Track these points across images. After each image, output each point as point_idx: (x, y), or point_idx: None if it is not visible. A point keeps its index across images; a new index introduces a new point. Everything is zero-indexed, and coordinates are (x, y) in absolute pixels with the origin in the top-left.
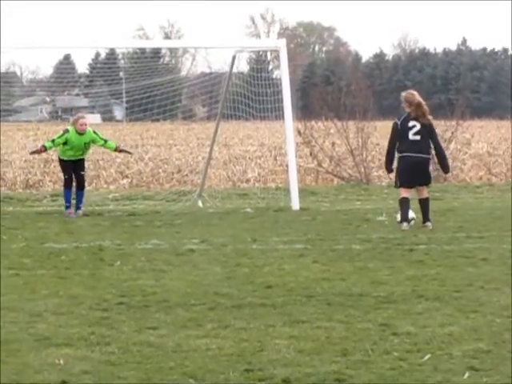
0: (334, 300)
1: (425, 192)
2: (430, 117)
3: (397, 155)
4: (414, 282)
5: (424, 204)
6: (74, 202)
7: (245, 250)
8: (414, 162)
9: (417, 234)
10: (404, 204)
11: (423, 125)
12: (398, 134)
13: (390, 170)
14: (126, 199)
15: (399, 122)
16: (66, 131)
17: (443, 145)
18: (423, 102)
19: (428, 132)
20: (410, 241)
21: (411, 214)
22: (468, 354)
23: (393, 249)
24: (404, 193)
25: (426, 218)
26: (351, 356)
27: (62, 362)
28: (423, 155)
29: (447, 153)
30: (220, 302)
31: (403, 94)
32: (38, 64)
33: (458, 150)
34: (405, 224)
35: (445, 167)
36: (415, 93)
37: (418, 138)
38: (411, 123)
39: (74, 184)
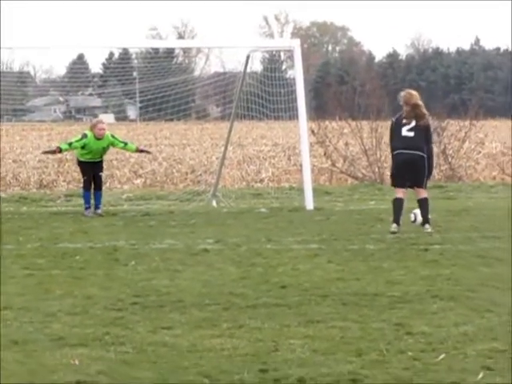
0: (349, 300)
1: (422, 192)
2: (427, 118)
3: (392, 153)
4: (428, 282)
5: (421, 205)
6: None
7: (259, 249)
8: (406, 160)
9: (431, 233)
10: (395, 205)
11: (418, 124)
12: (393, 131)
13: None
14: (139, 199)
15: (394, 120)
16: (85, 136)
17: (457, 144)
18: (421, 104)
19: (423, 132)
20: (424, 241)
21: None
22: (482, 354)
23: (407, 249)
24: (397, 193)
25: (424, 220)
26: (366, 356)
27: (76, 362)
28: (416, 152)
29: (461, 152)
30: (235, 302)
31: (402, 93)
32: (52, 64)
33: (472, 150)
34: (394, 225)
35: (428, 170)
36: (414, 93)
37: (411, 134)
38: (405, 120)
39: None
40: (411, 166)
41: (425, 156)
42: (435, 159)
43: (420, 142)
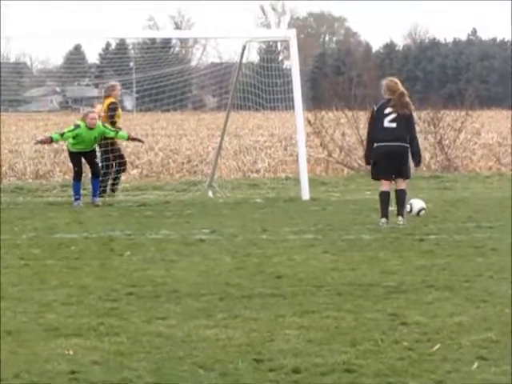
0: (344, 290)
1: (400, 184)
2: (412, 107)
3: (373, 145)
4: (423, 272)
5: (398, 196)
6: (84, 192)
7: (255, 240)
8: (389, 152)
9: (427, 224)
10: (382, 198)
11: (400, 114)
12: (374, 122)
13: (367, 162)
14: (136, 189)
15: (376, 108)
16: (77, 126)
17: (453, 134)
18: (406, 93)
19: (406, 122)
20: (420, 231)
21: (420, 204)
22: (477, 344)
23: (403, 239)
24: (382, 186)
25: (398, 212)
26: (360, 346)
27: (71, 352)
28: (398, 143)
29: (457, 142)
30: (230, 292)
31: (384, 81)
32: (49, 54)
33: (468, 140)
34: (383, 220)
35: (416, 160)
36: (398, 81)
37: (393, 125)
38: (388, 110)
39: (90, 173)
40: (395, 157)
41: (407, 146)
42: (431, 150)
43: (403, 133)
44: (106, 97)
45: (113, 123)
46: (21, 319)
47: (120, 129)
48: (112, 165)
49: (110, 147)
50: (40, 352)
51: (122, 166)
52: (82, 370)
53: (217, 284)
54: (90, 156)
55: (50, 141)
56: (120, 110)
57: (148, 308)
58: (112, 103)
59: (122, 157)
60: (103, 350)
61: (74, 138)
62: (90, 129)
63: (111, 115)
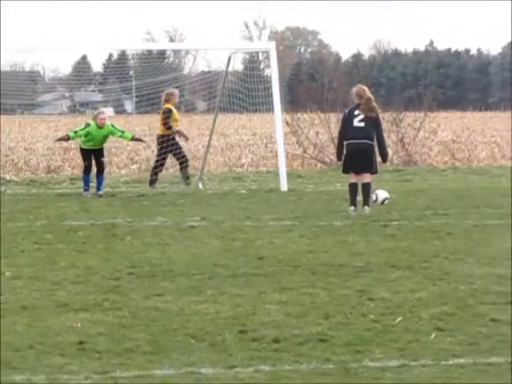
0: (318, 270)
1: (366, 177)
2: (378, 111)
3: (344, 142)
4: (387, 254)
5: (364, 189)
6: (93, 185)
7: (240, 226)
8: (358, 149)
9: (390, 211)
10: (351, 189)
11: (368, 116)
12: (345, 123)
13: (339, 158)
14: (135, 182)
15: (347, 111)
16: (88, 125)
17: (413, 133)
18: (372, 98)
19: (373, 123)
20: (384, 217)
21: (385, 194)
22: (435, 317)
23: (369, 224)
24: (351, 178)
25: (364, 202)
26: (332, 319)
27: (79, 325)
28: (366, 141)
29: (417, 140)
30: (218, 272)
31: (354, 89)
32: (59, 64)
33: (426, 138)
34: (351, 208)
35: (383, 156)
36: (366, 88)
37: (362, 124)
38: (357, 112)
39: (95, 169)
40: (362, 153)
41: (373, 144)
42: (394, 146)
43: (370, 132)
44: (166, 102)
45: (168, 127)
46: (35, 296)
47: (179, 132)
48: (164, 157)
49: (172, 142)
50: (52, 325)
51: (182, 161)
52: (88, 341)
53: (206, 264)
54: (98, 153)
55: (68, 138)
56: (176, 114)
57: (146, 286)
58: (166, 109)
59: (183, 154)
60: (107, 323)
61: (85, 135)
62: (100, 128)
63: (166, 120)
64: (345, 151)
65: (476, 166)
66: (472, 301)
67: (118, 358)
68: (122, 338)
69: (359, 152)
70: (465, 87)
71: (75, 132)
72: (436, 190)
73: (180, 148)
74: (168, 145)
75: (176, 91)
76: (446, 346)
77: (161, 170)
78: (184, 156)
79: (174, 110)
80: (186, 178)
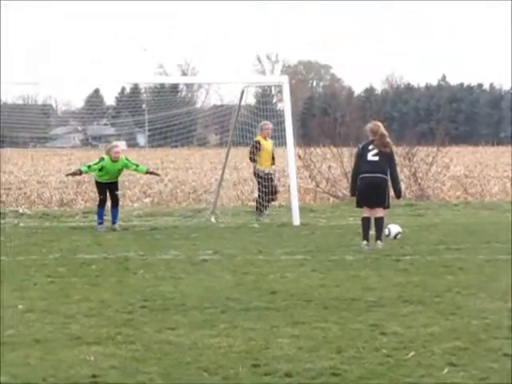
0: (330, 304)
1: (379, 212)
2: (392, 146)
3: (358, 176)
4: (400, 288)
5: (377, 223)
6: (107, 218)
7: (252, 260)
8: (371, 182)
9: (403, 246)
10: (364, 223)
11: (382, 151)
12: (359, 157)
13: (353, 194)
14: (148, 215)
15: (361, 146)
16: (102, 159)
17: (425, 167)
18: (386, 134)
19: (387, 158)
20: (396, 252)
21: (397, 229)
22: (447, 352)
23: (382, 259)
24: (364, 212)
25: (377, 237)
26: (345, 353)
27: (92, 358)
28: (380, 175)
29: (429, 174)
30: (230, 306)
31: (368, 125)
32: (71, 97)
33: (439, 173)
34: (364, 242)
35: (397, 192)
36: (380, 124)
37: (376, 158)
38: (371, 146)
39: (109, 202)
40: (375, 187)
41: (387, 178)
42: (407, 181)
43: (383, 166)
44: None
45: (250, 158)
46: (48, 329)
47: (255, 161)
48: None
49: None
50: (65, 358)
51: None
52: (101, 374)
53: (219, 298)
54: (113, 187)
55: (80, 173)
56: (263, 147)
57: (159, 319)
58: (255, 141)
59: (274, 187)
60: (120, 356)
61: (100, 170)
62: (114, 161)
63: (251, 151)
64: (358, 185)
65: (489, 200)
66: (484, 335)
67: None
68: (134, 372)
69: (373, 186)
70: (477, 122)
71: (89, 166)
72: (448, 224)
73: (266, 183)
74: (259, 178)
75: (267, 123)
76: (458, 381)
77: (267, 200)
78: (266, 192)
79: (262, 142)
80: (259, 212)
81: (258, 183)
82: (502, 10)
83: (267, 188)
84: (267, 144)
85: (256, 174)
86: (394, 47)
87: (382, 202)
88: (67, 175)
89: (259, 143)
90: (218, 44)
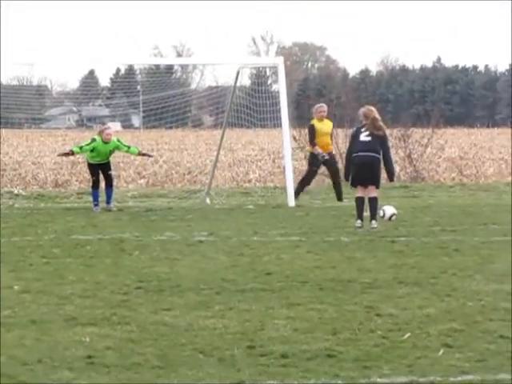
0: (326, 285)
1: (373, 192)
2: (385, 130)
3: (347, 157)
4: (395, 270)
5: (371, 203)
6: (102, 199)
7: (247, 241)
8: (364, 161)
9: (398, 227)
10: (357, 203)
11: (375, 134)
12: (353, 139)
13: (347, 178)
14: (143, 197)
15: (355, 129)
16: (94, 140)
17: (420, 149)
18: (378, 118)
19: (380, 140)
20: (392, 233)
21: (392, 210)
22: (443, 333)
23: (377, 240)
24: (358, 192)
25: (372, 217)
26: (340, 334)
27: (87, 339)
28: (372, 153)
29: (424, 156)
30: (226, 287)
31: (362, 109)
32: (66, 78)
33: (434, 155)
34: (358, 221)
35: (390, 174)
36: (373, 109)
37: (368, 139)
38: (364, 129)
39: (103, 183)
40: (367, 166)
41: (379, 157)
42: (401, 162)
43: (376, 146)
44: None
45: (311, 143)
46: (43, 310)
47: (315, 144)
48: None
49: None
50: (60, 339)
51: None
52: (97, 355)
53: (214, 280)
54: (105, 167)
55: (72, 153)
56: (319, 130)
57: (154, 300)
58: (310, 125)
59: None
60: (115, 337)
61: (91, 150)
62: (106, 143)
63: (310, 137)
64: (351, 164)
65: (484, 182)
66: (480, 317)
67: (126, 372)
68: (130, 353)
69: (365, 164)
70: (472, 104)
71: (80, 147)
72: (443, 206)
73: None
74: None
75: (322, 106)
76: (454, 363)
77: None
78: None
79: (318, 125)
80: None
81: (311, 165)
82: None
83: (320, 173)
84: (325, 127)
85: (312, 159)
86: (389, 29)
87: (376, 181)
88: (59, 155)
89: (313, 127)
90: (213, 25)
